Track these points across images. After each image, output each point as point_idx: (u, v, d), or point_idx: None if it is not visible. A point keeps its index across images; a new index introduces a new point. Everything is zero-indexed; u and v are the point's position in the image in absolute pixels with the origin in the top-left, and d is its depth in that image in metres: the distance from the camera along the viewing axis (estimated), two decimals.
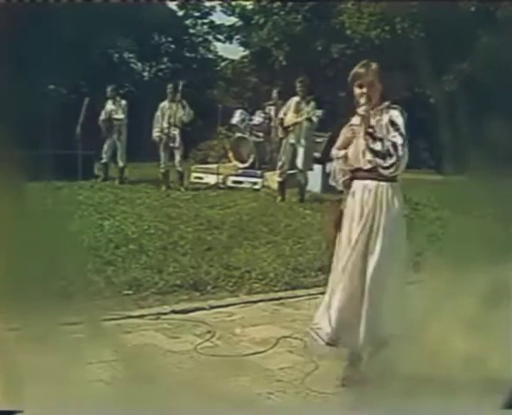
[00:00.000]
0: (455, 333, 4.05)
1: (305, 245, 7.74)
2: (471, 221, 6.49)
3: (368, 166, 4.01)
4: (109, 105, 13.11)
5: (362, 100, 3.99)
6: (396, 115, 4.03)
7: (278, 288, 6.36)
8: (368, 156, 3.98)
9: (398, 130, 3.98)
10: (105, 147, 13.02)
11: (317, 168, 11.97)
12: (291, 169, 11.50)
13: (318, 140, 12.35)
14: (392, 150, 3.93)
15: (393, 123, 4.00)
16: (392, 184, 4.04)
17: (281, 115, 11.59)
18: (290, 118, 11.36)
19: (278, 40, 19.77)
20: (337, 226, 4.10)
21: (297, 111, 11.34)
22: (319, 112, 11.54)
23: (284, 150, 11.50)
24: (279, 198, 11.29)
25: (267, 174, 12.91)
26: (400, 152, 3.93)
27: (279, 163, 11.57)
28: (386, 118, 4.01)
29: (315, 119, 11.36)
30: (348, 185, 4.12)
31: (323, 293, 4.25)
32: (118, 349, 4.41)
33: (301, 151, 11.32)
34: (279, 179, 11.51)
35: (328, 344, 4.03)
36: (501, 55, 11.36)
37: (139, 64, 22.84)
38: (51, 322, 3.97)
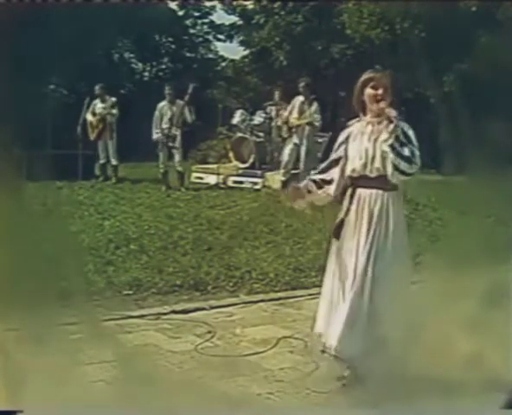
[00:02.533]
0: (455, 333, 4.04)
1: (306, 246, 7.74)
2: (472, 222, 6.49)
3: (375, 174, 3.96)
4: (97, 105, 12.98)
5: (382, 104, 3.94)
6: (408, 127, 4.01)
7: (278, 288, 6.36)
8: (390, 159, 3.89)
9: (411, 142, 3.96)
10: (100, 147, 12.95)
11: None
12: (295, 168, 11.53)
13: (319, 140, 12.35)
14: (412, 158, 3.92)
15: (406, 134, 3.97)
16: (396, 193, 4.01)
17: (286, 113, 11.64)
18: (294, 119, 11.42)
19: (278, 40, 19.73)
20: (337, 235, 4.05)
21: (301, 112, 11.40)
22: (319, 117, 11.53)
23: (288, 149, 11.55)
24: (282, 197, 11.32)
25: (268, 174, 12.89)
26: (419, 162, 3.93)
27: (283, 163, 11.62)
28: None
29: (317, 124, 11.41)
30: (350, 195, 4.05)
31: None
32: (119, 349, 4.41)
33: (303, 153, 11.39)
34: (283, 178, 11.53)
35: (334, 356, 4.00)
36: (501, 55, 11.35)
37: (139, 64, 22.79)
38: (51, 322, 3.97)
